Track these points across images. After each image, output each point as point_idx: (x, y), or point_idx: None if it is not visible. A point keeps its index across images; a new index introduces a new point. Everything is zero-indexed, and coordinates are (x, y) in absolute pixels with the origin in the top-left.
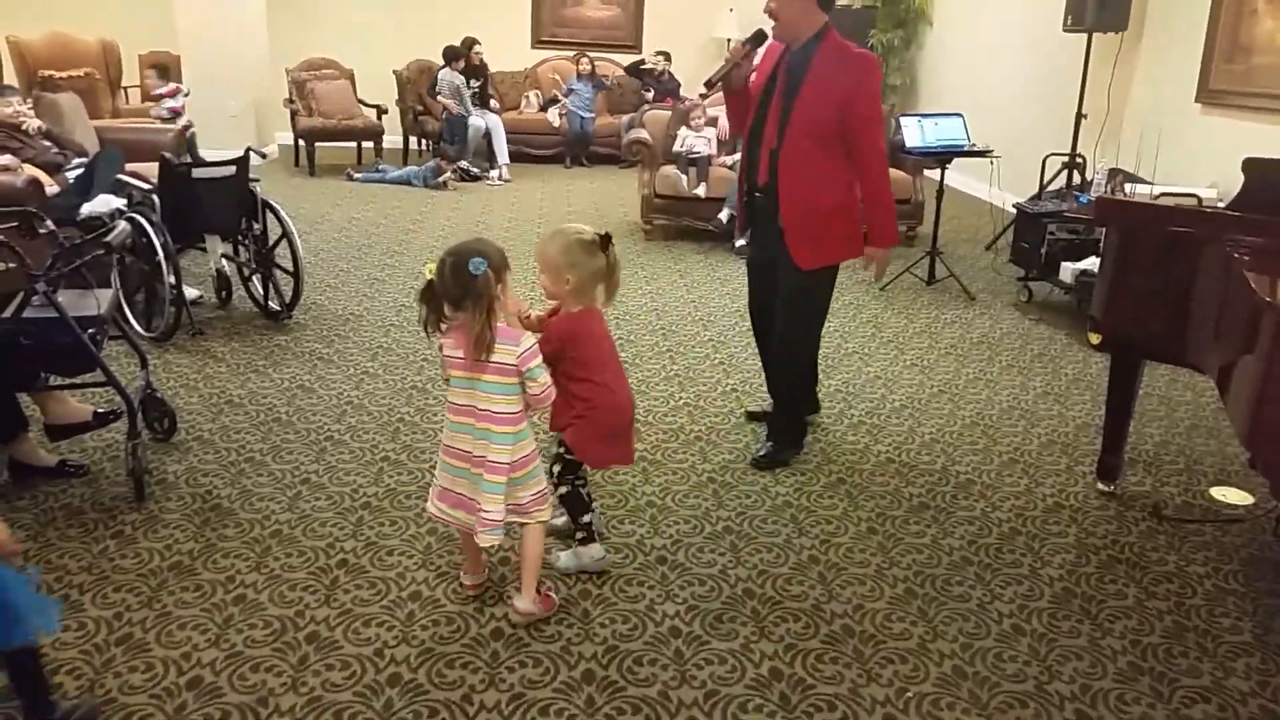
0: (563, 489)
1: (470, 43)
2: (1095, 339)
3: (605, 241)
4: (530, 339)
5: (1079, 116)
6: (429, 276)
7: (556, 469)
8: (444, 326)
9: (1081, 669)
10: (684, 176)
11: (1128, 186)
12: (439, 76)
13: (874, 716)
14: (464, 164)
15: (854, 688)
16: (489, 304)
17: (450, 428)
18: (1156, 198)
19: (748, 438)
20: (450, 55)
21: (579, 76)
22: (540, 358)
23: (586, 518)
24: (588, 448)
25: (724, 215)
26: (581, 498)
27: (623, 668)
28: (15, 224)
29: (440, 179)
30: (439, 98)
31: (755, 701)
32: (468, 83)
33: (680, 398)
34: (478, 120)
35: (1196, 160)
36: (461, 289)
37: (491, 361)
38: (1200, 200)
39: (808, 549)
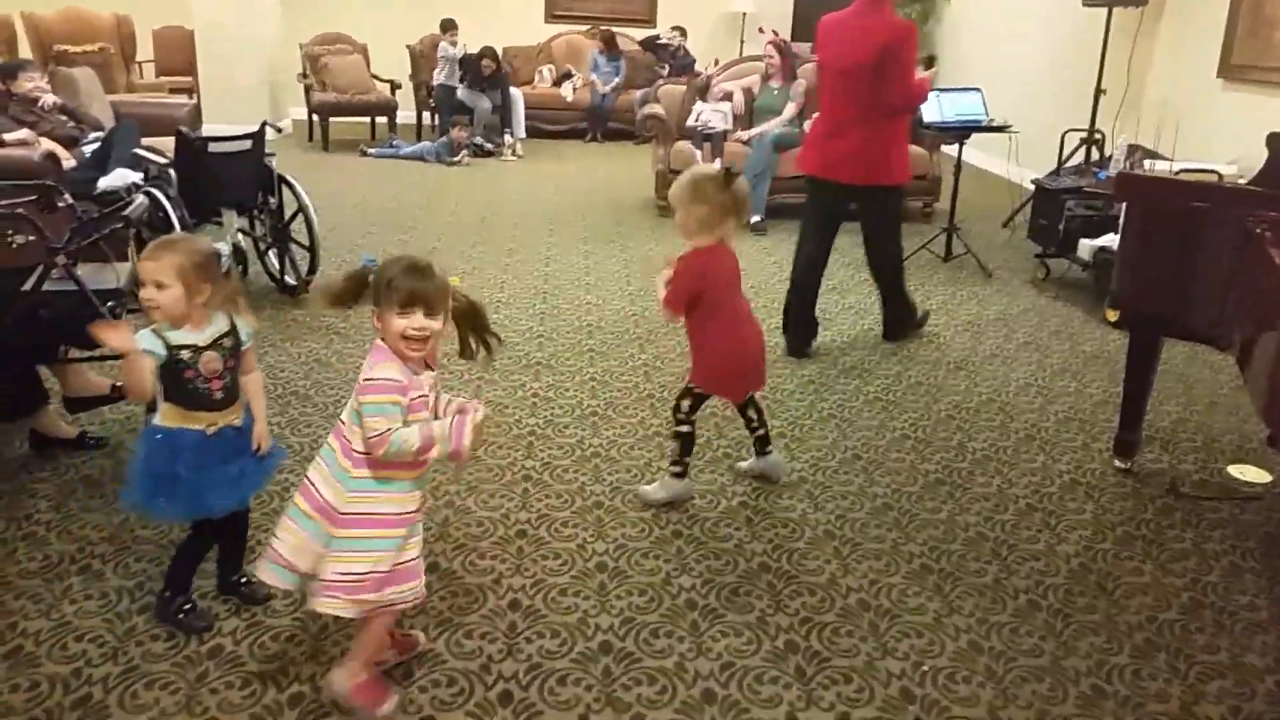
0: (684, 428)
1: (446, 25)
2: (1113, 316)
3: (730, 177)
4: (382, 370)
5: (1098, 91)
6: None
7: (686, 404)
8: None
9: (1098, 645)
10: (699, 152)
11: (1146, 163)
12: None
13: (890, 689)
14: (478, 139)
15: (870, 661)
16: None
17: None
18: (1176, 174)
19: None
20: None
21: (601, 51)
22: (379, 396)
23: (688, 459)
24: (727, 388)
25: None
26: (693, 439)
27: (639, 639)
28: (34, 197)
29: (456, 157)
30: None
31: (771, 673)
32: (481, 89)
33: None
34: (483, 101)
35: (1217, 136)
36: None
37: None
38: (1221, 177)
39: (823, 524)
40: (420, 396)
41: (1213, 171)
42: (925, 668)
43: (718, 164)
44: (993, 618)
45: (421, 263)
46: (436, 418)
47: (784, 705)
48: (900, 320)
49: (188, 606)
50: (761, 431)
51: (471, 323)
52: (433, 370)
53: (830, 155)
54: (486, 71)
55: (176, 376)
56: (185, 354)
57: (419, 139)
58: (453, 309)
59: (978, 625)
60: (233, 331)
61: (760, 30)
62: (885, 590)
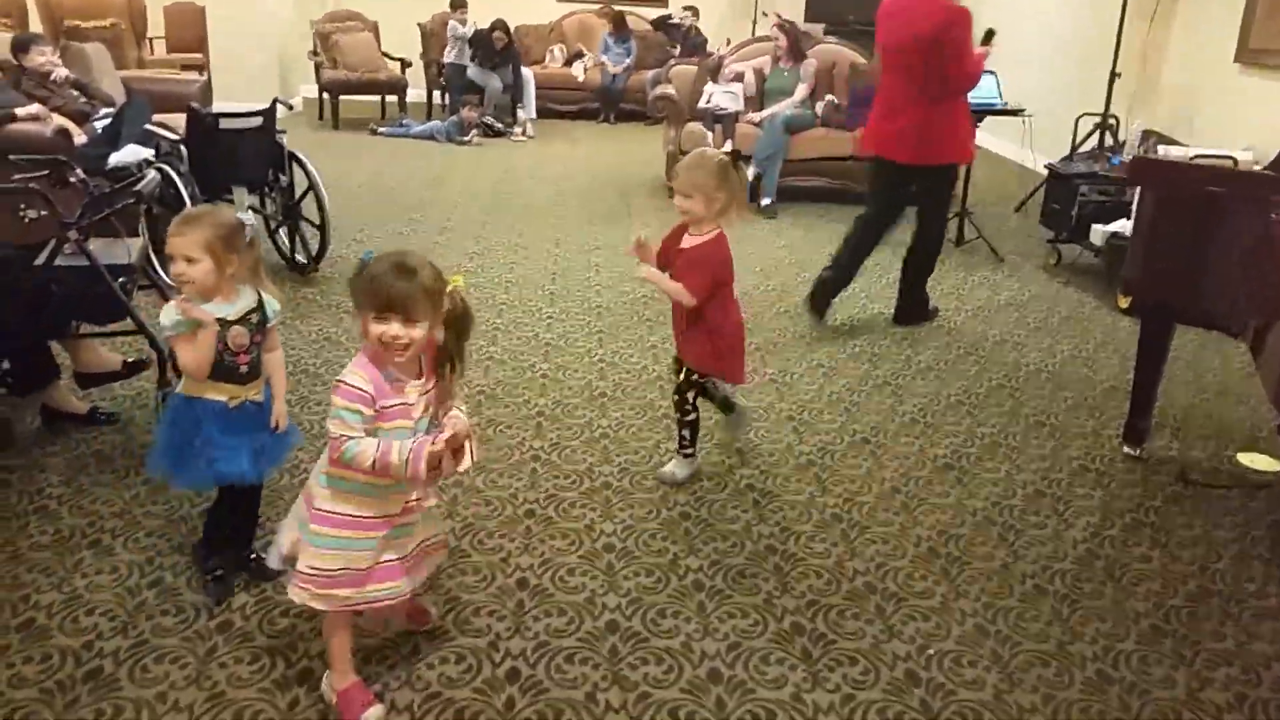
0: (692, 415)
1: (456, 3)
2: (1125, 302)
3: (736, 158)
4: (352, 374)
5: (1113, 76)
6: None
7: (692, 396)
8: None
9: (1104, 630)
10: (710, 133)
11: (1161, 148)
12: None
13: (896, 672)
14: (488, 119)
15: (875, 643)
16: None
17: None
18: (1191, 160)
19: (770, 396)
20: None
21: (611, 32)
22: (341, 400)
23: (696, 440)
24: (737, 367)
25: (749, 173)
26: (699, 422)
27: (646, 619)
28: (46, 173)
29: (467, 136)
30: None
31: (777, 654)
32: (491, 63)
33: None
34: (493, 80)
35: (1233, 122)
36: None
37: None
38: (1236, 163)
39: (830, 507)
40: (398, 405)
41: (1228, 157)
42: (931, 651)
43: (728, 146)
44: (999, 602)
45: (409, 263)
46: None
47: (789, 686)
48: (916, 306)
49: (218, 573)
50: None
51: (456, 330)
52: (422, 380)
53: (886, 134)
54: (499, 45)
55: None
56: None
57: (429, 118)
58: (446, 313)
59: (984, 609)
60: (260, 308)
61: (765, 14)
62: (892, 574)
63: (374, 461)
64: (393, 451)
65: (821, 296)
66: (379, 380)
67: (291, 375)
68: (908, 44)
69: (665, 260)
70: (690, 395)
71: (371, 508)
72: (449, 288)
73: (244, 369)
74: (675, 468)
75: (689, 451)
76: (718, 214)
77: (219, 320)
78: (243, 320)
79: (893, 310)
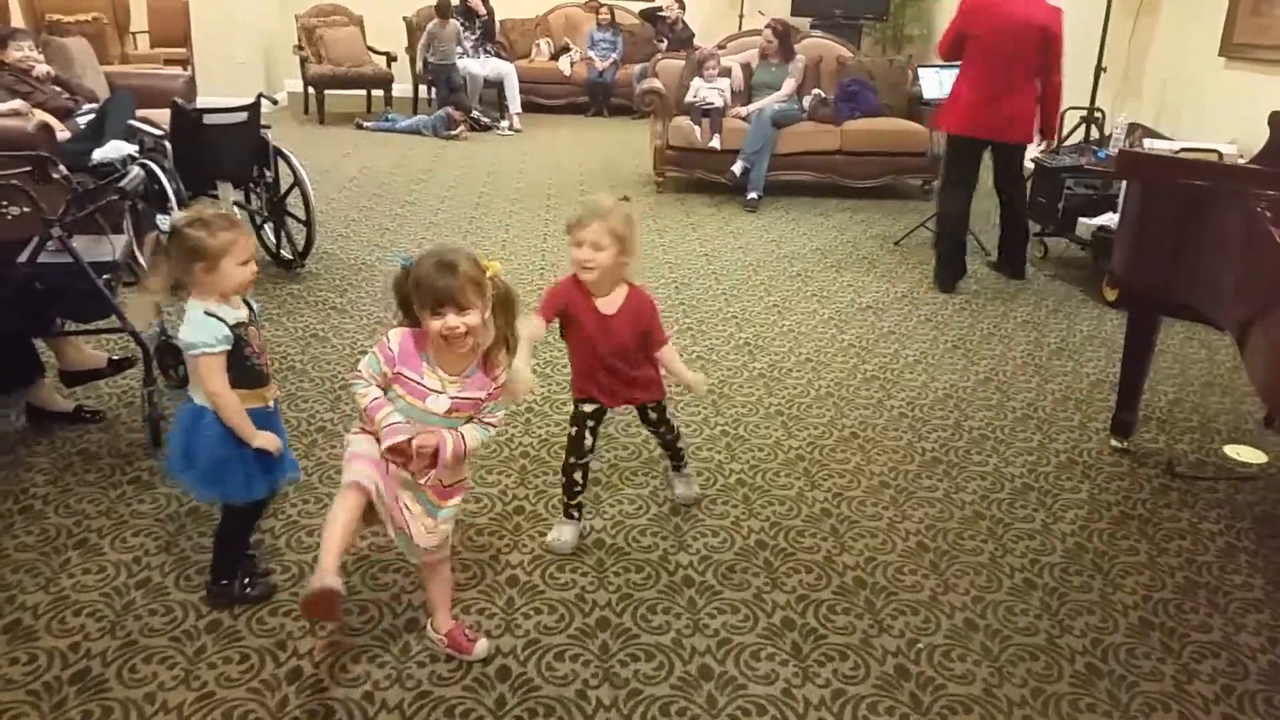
0: (678, 429)
1: (443, 10)
2: (1111, 294)
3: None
4: (392, 335)
5: (1098, 69)
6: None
7: (669, 416)
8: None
9: (1093, 623)
10: (697, 128)
11: (1146, 142)
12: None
13: (886, 666)
14: (475, 113)
15: (865, 638)
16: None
17: None
18: (1176, 153)
19: (760, 391)
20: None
21: (599, 26)
22: (375, 351)
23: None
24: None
25: (737, 168)
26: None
27: (636, 615)
28: (29, 169)
29: (454, 131)
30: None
31: (767, 650)
32: (472, 25)
33: (693, 351)
34: (475, 67)
35: (1218, 115)
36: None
37: None
38: (1221, 156)
39: (820, 502)
40: (413, 382)
41: (1213, 150)
42: (921, 645)
43: (716, 141)
44: (988, 596)
45: (448, 258)
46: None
47: (780, 681)
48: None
49: (247, 581)
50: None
51: (504, 313)
52: (461, 376)
53: (991, 117)
54: (482, 15)
55: (239, 354)
56: (241, 330)
57: (415, 112)
58: (492, 297)
59: (973, 603)
60: (249, 308)
61: (761, 13)
62: (881, 568)
63: (365, 408)
64: (380, 411)
65: (952, 277)
66: (409, 350)
67: (278, 372)
68: (1025, 35)
69: (555, 315)
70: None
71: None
72: (489, 273)
73: (265, 369)
74: (691, 485)
75: (687, 468)
76: (621, 268)
77: (240, 324)
78: (251, 320)
79: (882, 301)
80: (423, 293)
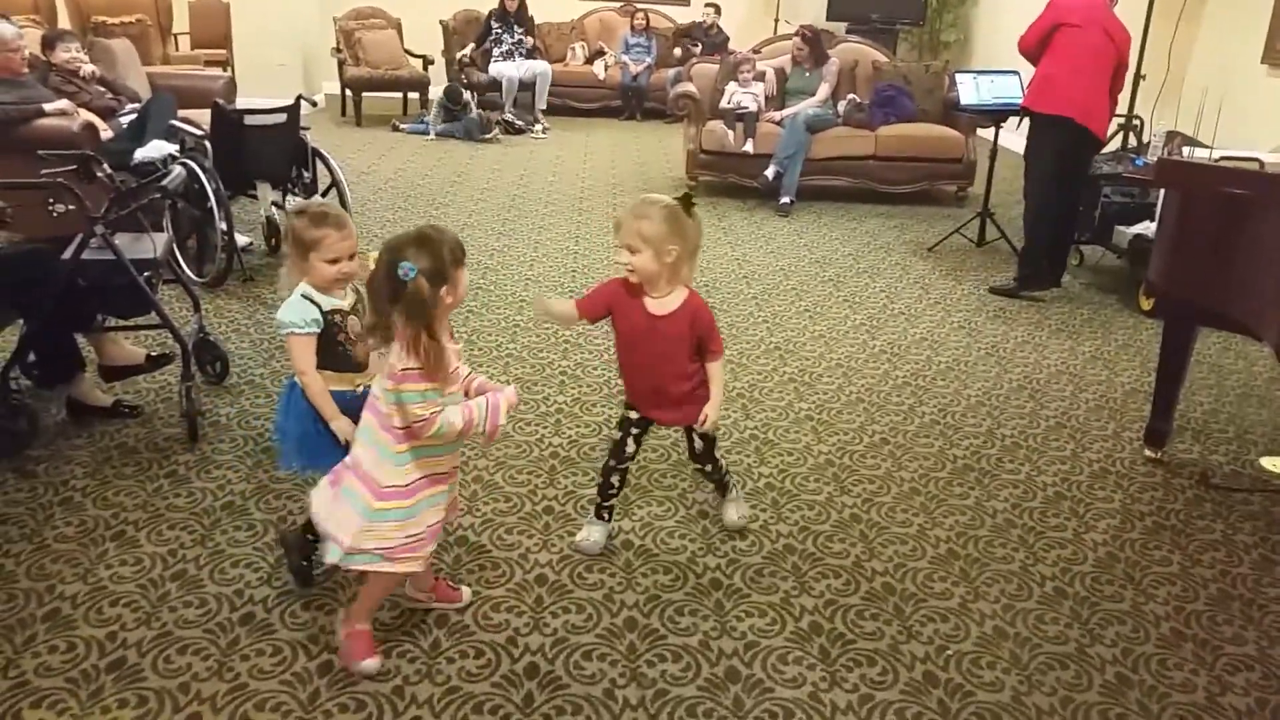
0: (724, 464)
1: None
2: (1147, 304)
3: (688, 203)
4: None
5: (1137, 77)
6: (372, 268)
7: (716, 453)
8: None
9: (1124, 633)
10: (731, 132)
11: (1186, 149)
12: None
13: (914, 673)
14: (508, 116)
15: (894, 644)
16: (418, 315)
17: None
18: (1216, 161)
19: (790, 396)
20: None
21: (634, 30)
22: (419, 384)
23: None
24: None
25: (770, 172)
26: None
27: (664, 616)
28: (74, 167)
29: (488, 134)
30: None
31: (795, 654)
32: (510, 29)
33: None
34: (510, 70)
35: (1260, 123)
36: (392, 291)
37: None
38: (1263, 164)
39: (849, 507)
40: (452, 371)
41: (1254, 159)
42: (950, 652)
43: (749, 145)
44: (1019, 604)
45: (423, 233)
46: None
47: (807, 685)
48: (1030, 271)
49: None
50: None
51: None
52: (455, 343)
53: (1075, 97)
54: (511, 6)
55: (330, 339)
56: (336, 317)
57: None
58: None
59: (1003, 611)
60: (361, 299)
61: (788, 22)
62: (911, 574)
63: (461, 428)
64: (473, 412)
65: (1055, 267)
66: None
67: None
68: (1107, 42)
69: (604, 313)
70: (716, 456)
71: (443, 464)
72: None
73: (361, 357)
74: (740, 509)
75: (734, 493)
76: (672, 271)
77: (338, 311)
78: (354, 310)
79: (915, 307)
80: (447, 261)
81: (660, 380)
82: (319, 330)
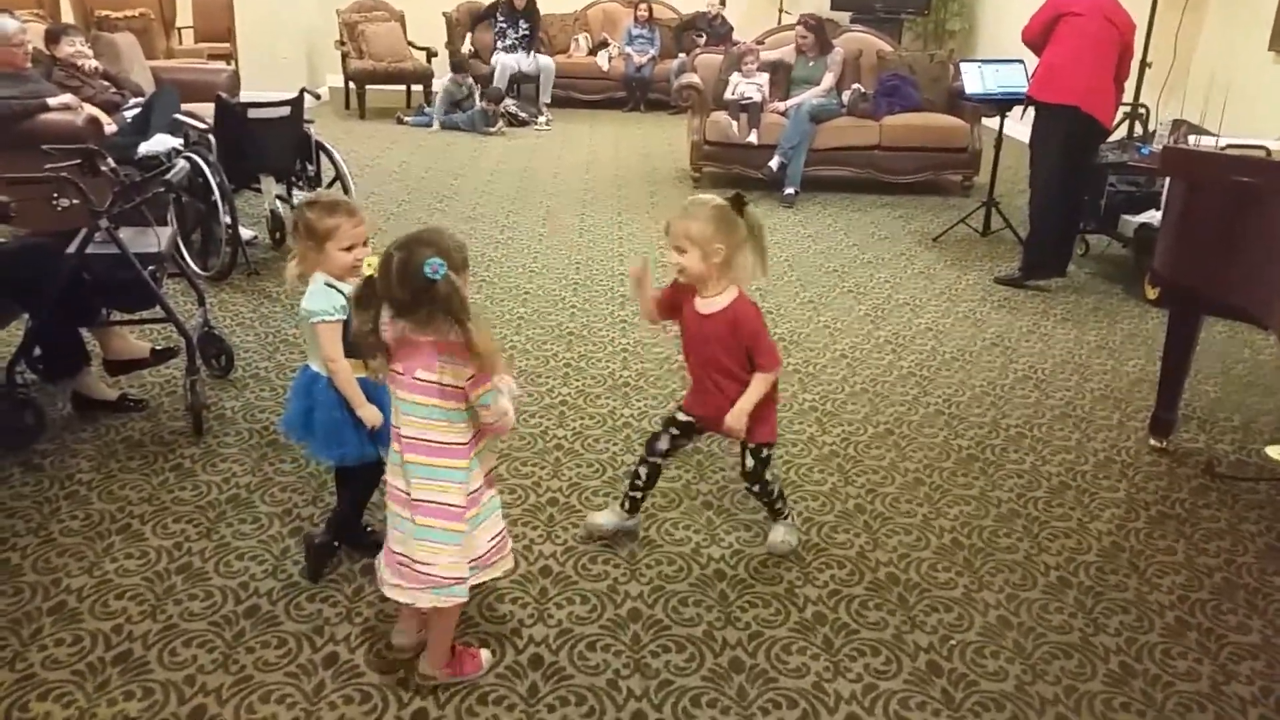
0: (777, 490)
1: (456, 66)
2: (1153, 293)
3: (740, 203)
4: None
5: (1143, 65)
6: (367, 272)
7: (769, 476)
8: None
9: (1128, 623)
10: (735, 123)
11: (1192, 138)
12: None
13: (918, 662)
14: (512, 108)
15: (898, 634)
16: (460, 310)
17: (393, 459)
18: (1223, 149)
19: (794, 387)
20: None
21: (637, 21)
22: (489, 383)
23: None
24: (775, 428)
25: (774, 163)
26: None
27: (668, 608)
28: (78, 161)
29: (493, 126)
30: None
31: (799, 644)
32: (516, 25)
33: None
34: (509, 60)
35: (1266, 111)
36: (411, 294)
37: (433, 382)
38: (1269, 153)
39: (853, 498)
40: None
41: (1260, 147)
42: (953, 642)
43: (754, 136)
44: (1023, 594)
45: (426, 237)
46: None
47: (811, 675)
48: (1035, 261)
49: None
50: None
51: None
52: None
53: (1077, 84)
54: (525, 29)
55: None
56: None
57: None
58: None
59: (1007, 601)
60: None
61: (786, 13)
62: (915, 564)
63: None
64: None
65: (1060, 257)
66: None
67: None
68: (1110, 28)
69: (670, 313)
70: (771, 475)
71: (490, 461)
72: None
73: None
74: (787, 535)
75: (788, 514)
76: (721, 270)
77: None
78: None
79: (920, 298)
80: (464, 255)
81: (709, 377)
82: (345, 318)
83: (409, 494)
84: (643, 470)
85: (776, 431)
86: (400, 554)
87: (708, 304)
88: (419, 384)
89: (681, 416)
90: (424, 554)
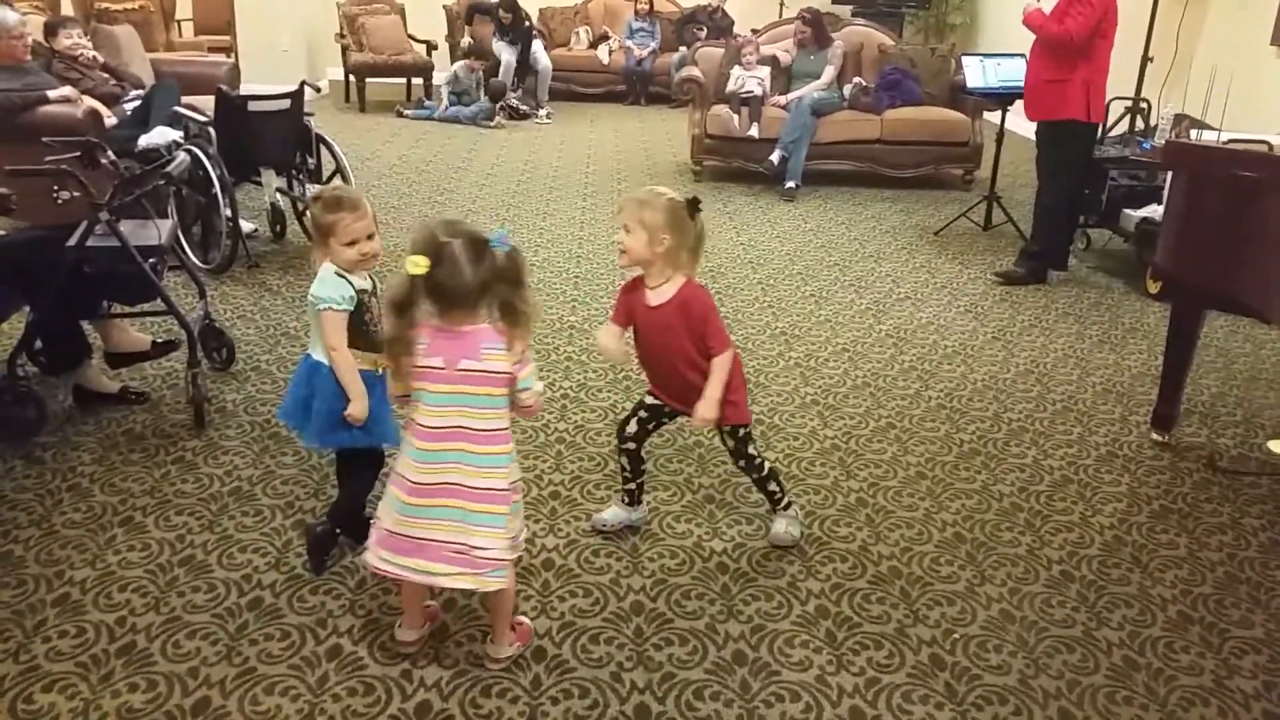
0: (766, 466)
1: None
2: (1154, 287)
3: (695, 206)
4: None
5: (1145, 59)
6: (417, 272)
7: (752, 451)
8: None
9: (1130, 616)
10: (736, 117)
11: (1193, 132)
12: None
13: (920, 656)
14: (513, 101)
15: (900, 627)
16: (526, 275)
17: (422, 457)
18: (1224, 144)
19: (795, 380)
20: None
21: (637, 15)
22: (532, 364)
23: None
24: (746, 409)
25: (775, 157)
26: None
27: (671, 601)
28: (78, 154)
29: (492, 120)
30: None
31: (802, 637)
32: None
33: None
34: (508, 54)
35: (1269, 105)
36: (481, 274)
37: (481, 371)
38: (1271, 147)
39: (855, 492)
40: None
41: (1263, 142)
42: (956, 635)
43: (755, 129)
44: (1025, 587)
45: (448, 231)
46: None
47: (814, 669)
48: (1031, 262)
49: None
50: None
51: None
52: None
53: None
54: (505, 22)
55: (359, 318)
56: (363, 297)
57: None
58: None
59: (1010, 595)
60: (373, 282)
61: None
62: (917, 558)
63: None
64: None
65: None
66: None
67: None
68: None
69: (628, 320)
70: (754, 450)
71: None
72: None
73: (380, 339)
74: (789, 527)
75: (787, 501)
76: (664, 260)
77: (363, 291)
78: (374, 292)
79: (921, 291)
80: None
81: (672, 368)
82: (352, 309)
83: (462, 483)
84: (623, 461)
85: (747, 412)
86: (453, 542)
87: (657, 294)
88: (462, 374)
89: (650, 400)
90: (481, 539)
